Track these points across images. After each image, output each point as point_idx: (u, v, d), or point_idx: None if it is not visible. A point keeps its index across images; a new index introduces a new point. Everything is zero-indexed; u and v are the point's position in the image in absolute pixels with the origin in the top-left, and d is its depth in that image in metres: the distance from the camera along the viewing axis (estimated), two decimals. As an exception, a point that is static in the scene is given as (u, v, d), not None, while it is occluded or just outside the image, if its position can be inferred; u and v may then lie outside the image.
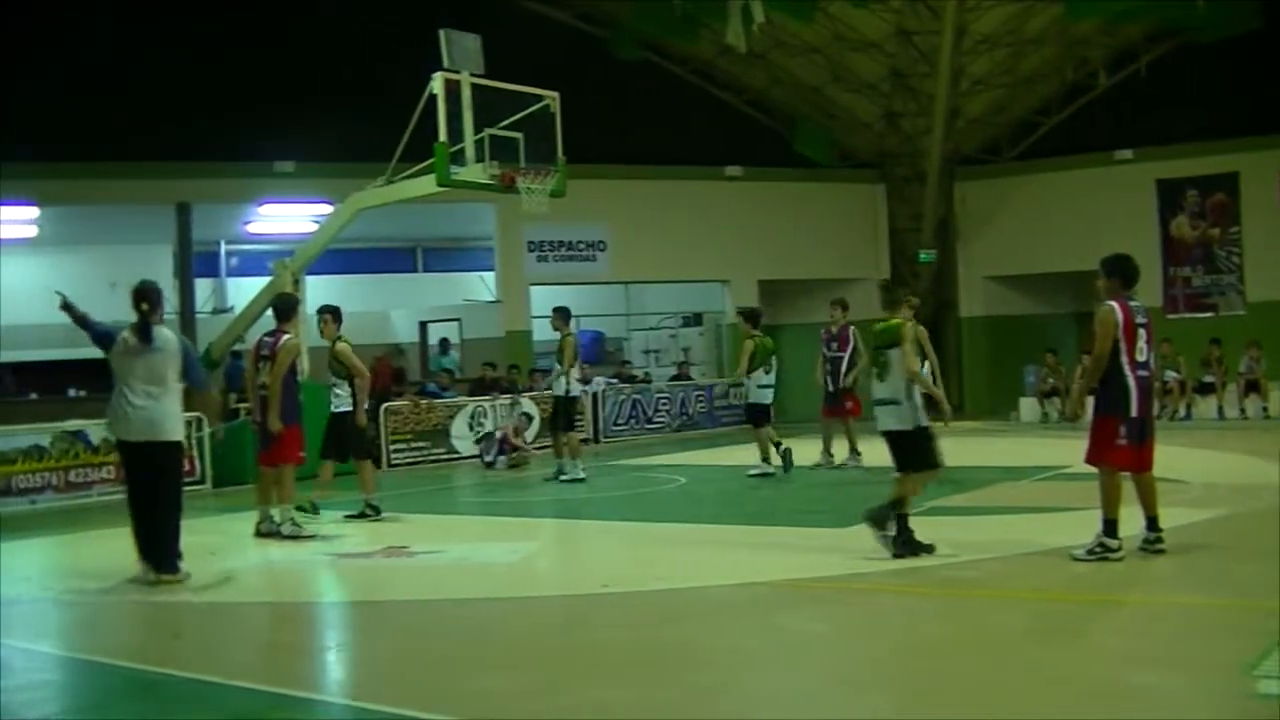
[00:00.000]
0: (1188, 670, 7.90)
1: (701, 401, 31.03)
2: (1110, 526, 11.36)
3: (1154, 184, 32.38)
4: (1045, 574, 11.32)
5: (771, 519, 15.81)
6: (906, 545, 11.86)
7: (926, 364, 17.67)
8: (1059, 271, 31.93)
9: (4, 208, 27.82)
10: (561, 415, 20.58)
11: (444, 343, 32.16)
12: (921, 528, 12.41)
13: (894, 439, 12.24)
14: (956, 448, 21.86)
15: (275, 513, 15.24)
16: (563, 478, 20.12)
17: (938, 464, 12.32)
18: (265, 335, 15.84)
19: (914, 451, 12.15)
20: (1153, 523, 11.59)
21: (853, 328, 21.00)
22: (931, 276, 34.64)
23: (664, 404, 31.06)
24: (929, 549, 11.91)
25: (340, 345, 16.46)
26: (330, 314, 16.86)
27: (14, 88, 25.05)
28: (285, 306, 16.20)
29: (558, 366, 20.38)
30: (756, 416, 20.21)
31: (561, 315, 20.30)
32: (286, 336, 15.49)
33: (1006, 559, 11.87)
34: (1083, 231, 31.60)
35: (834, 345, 21.14)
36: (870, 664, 8.53)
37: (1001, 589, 10.79)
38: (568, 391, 20.26)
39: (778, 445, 19.87)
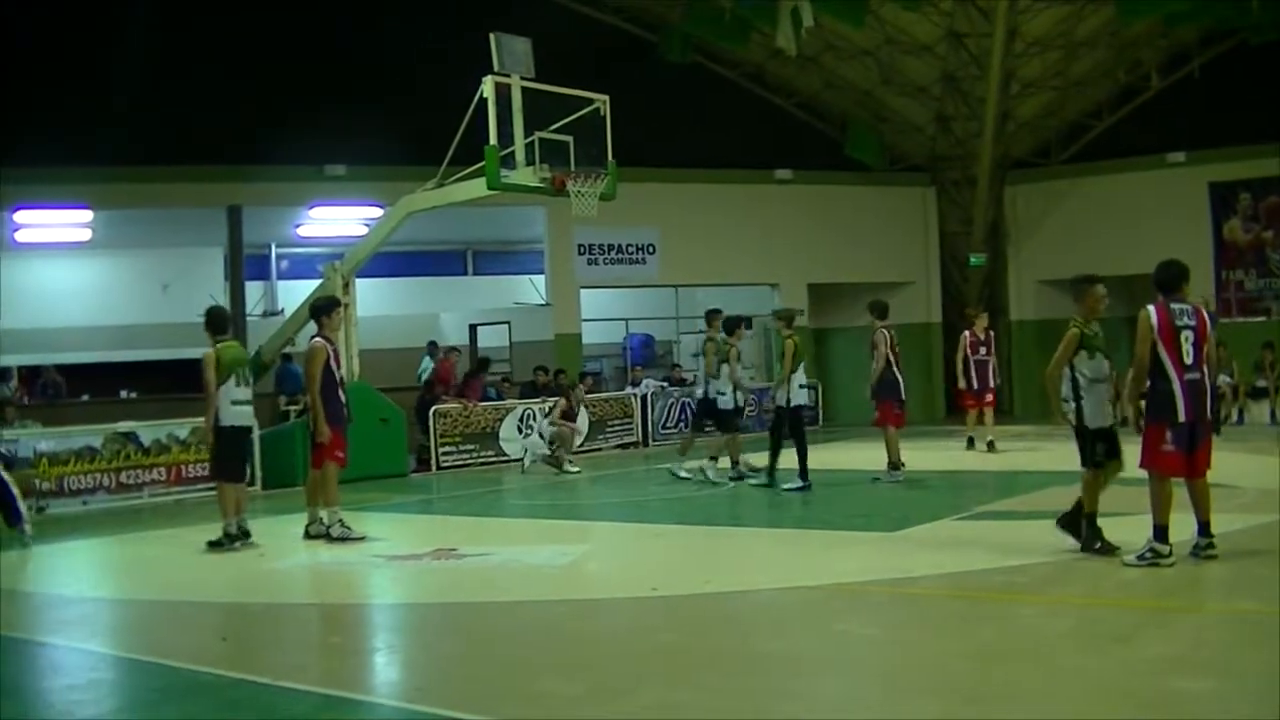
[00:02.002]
0: (1238, 677, 7.83)
1: (751, 405, 30.97)
2: (1161, 532, 11.30)
3: (1207, 187, 32.16)
4: (1095, 579, 11.24)
5: (820, 523, 15.76)
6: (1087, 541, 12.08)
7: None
8: (1110, 275, 31.51)
9: (58, 211, 28.04)
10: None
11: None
12: (972, 531, 12.37)
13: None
14: (1007, 452, 22.00)
15: (323, 514, 15.27)
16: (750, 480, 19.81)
17: (1096, 462, 12.19)
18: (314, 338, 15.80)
19: (1080, 449, 12.24)
20: (1204, 528, 11.47)
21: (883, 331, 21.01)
22: (982, 280, 34.54)
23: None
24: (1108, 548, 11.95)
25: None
26: None
27: (67, 93, 25.24)
28: (317, 308, 16.19)
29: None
30: (796, 420, 19.30)
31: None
32: (314, 339, 15.48)
33: (1056, 564, 11.78)
34: (1134, 235, 31.42)
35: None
36: (920, 668, 8.48)
37: (1051, 594, 10.72)
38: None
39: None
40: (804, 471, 18.45)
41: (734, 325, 20.68)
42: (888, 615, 10.19)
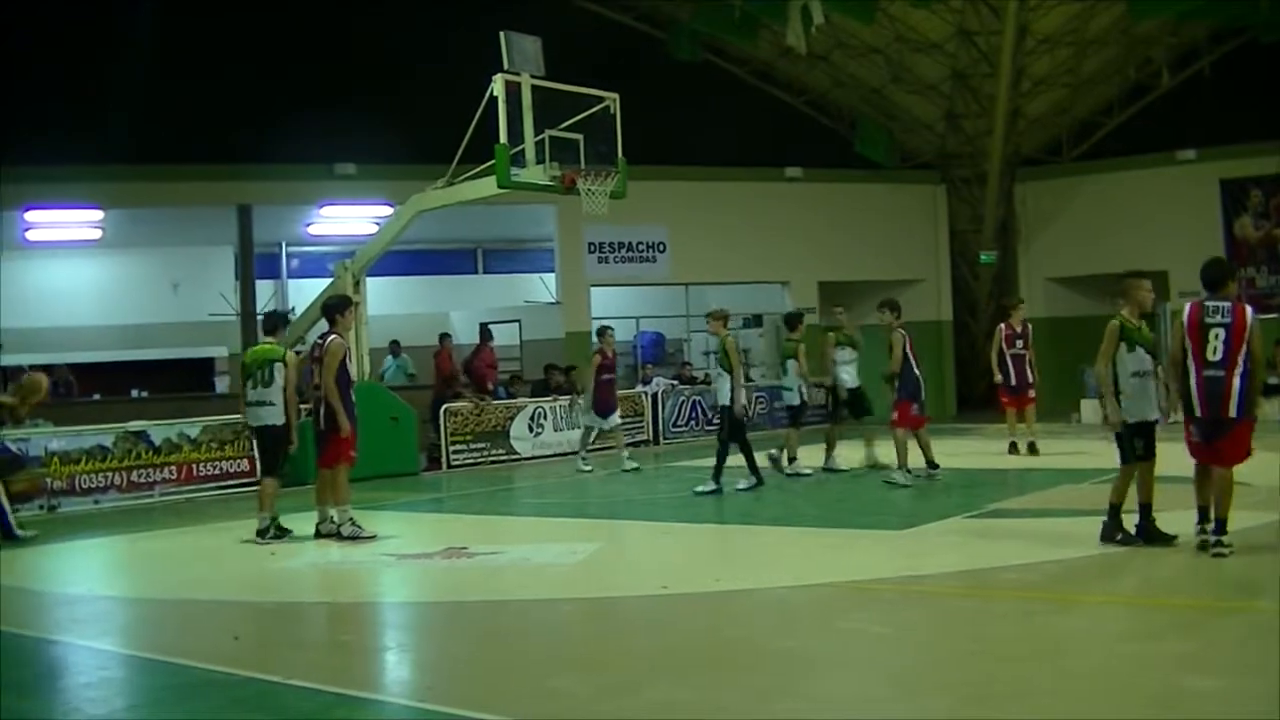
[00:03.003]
0: (1251, 676, 7.80)
1: (762, 403, 30.93)
2: (1216, 522, 11.56)
3: (1217, 184, 32.12)
4: (1107, 578, 11.24)
5: (832, 521, 15.74)
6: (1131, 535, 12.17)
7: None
8: (1121, 272, 31.59)
9: (69, 211, 28.11)
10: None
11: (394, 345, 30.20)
12: (983, 530, 12.37)
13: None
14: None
15: (334, 513, 15.30)
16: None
17: (1139, 456, 12.24)
18: (318, 337, 15.88)
19: (1120, 447, 12.29)
20: (1220, 525, 11.52)
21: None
22: (992, 278, 34.51)
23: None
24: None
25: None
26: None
27: (78, 93, 25.30)
28: (330, 307, 16.16)
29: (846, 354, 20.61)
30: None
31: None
32: (332, 338, 15.43)
33: (1067, 562, 11.78)
34: (1145, 232, 31.47)
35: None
36: (931, 666, 8.49)
37: (1062, 592, 10.71)
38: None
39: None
40: (753, 468, 18.59)
41: (796, 321, 21.16)
42: (898, 613, 10.18)
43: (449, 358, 26.31)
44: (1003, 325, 22.62)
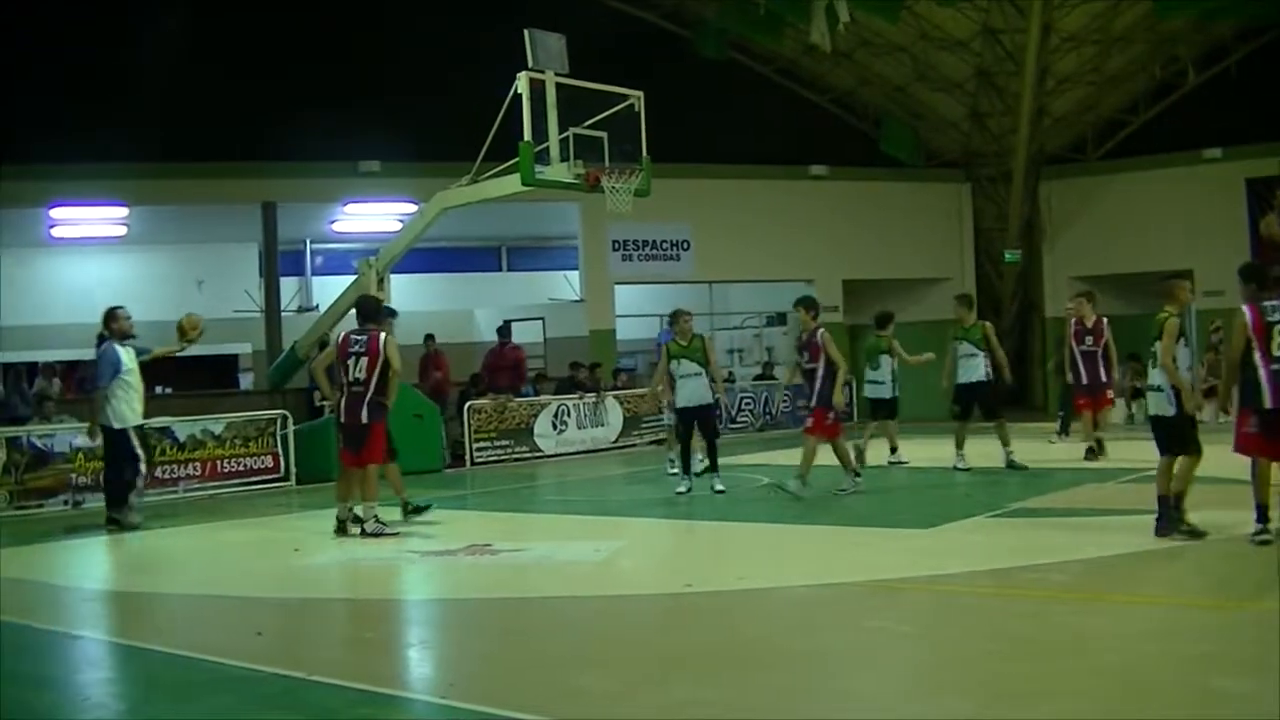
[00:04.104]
0: (1277, 675, 7.77)
1: (786, 401, 30.90)
2: (1259, 511, 11.82)
3: (1243, 183, 32.00)
4: (1131, 577, 11.20)
5: (855, 520, 15.68)
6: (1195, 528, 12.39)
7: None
8: (1146, 271, 31.54)
9: (94, 208, 28.21)
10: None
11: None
12: (1007, 529, 12.33)
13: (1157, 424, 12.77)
14: (1042, 448, 21.87)
15: (359, 510, 15.32)
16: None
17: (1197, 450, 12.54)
18: (353, 333, 15.85)
19: (1170, 437, 12.62)
20: (1262, 512, 11.82)
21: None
22: (1017, 277, 34.44)
23: (747, 403, 31.03)
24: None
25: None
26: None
27: (103, 91, 25.36)
28: (369, 308, 16.30)
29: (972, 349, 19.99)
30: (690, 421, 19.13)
31: (966, 303, 19.89)
32: (388, 335, 15.68)
33: (1092, 561, 11.73)
34: (1170, 231, 31.41)
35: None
36: (955, 665, 8.45)
37: (1087, 591, 10.66)
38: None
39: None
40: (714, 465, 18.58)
41: (887, 320, 21.44)
42: (922, 612, 10.14)
43: (440, 360, 26.04)
44: (1072, 320, 21.45)
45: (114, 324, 16.98)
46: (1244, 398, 12.11)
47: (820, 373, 17.37)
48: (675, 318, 18.92)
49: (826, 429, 17.47)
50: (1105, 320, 21.21)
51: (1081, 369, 21.08)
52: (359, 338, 15.64)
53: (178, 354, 18.20)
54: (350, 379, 15.49)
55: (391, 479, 16.26)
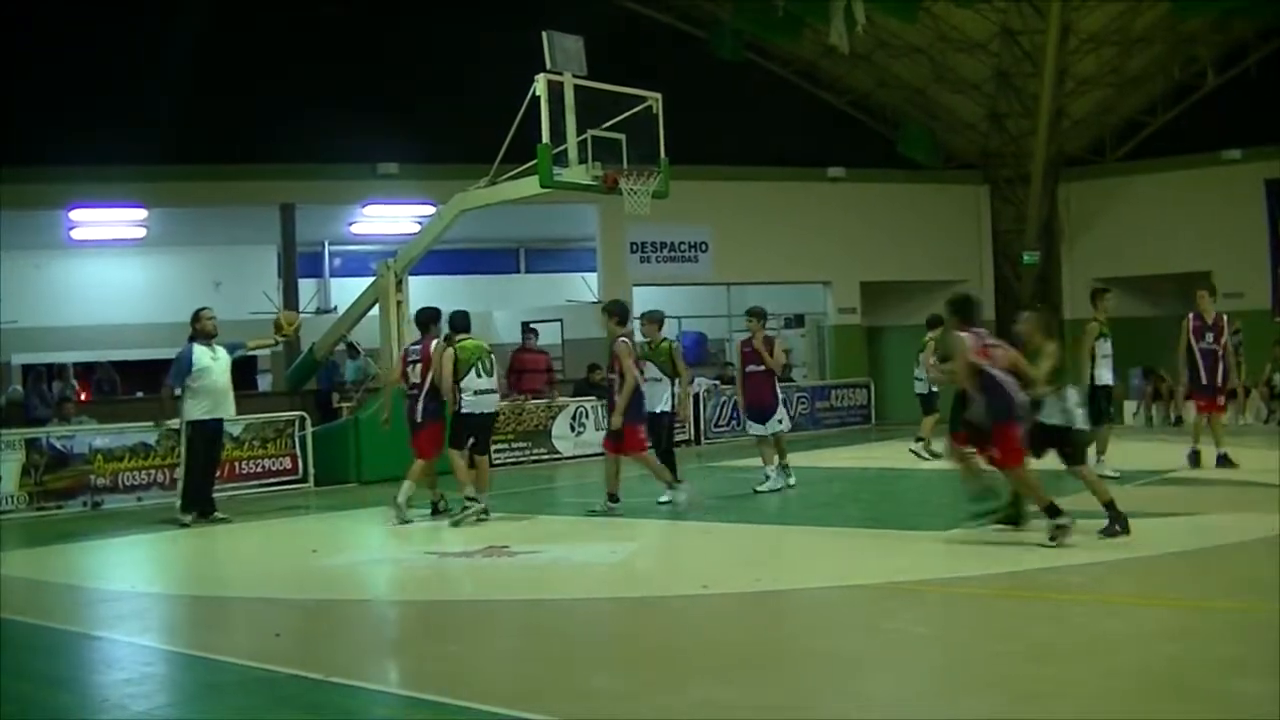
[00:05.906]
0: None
1: (804, 403, 30.86)
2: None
3: (1263, 184, 31.88)
4: (1150, 579, 11.17)
5: (871, 521, 15.67)
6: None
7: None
8: (1165, 273, 31.54)
9: (113, 210, 28.27)
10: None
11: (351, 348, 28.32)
12: (1025, 531, 12.34)
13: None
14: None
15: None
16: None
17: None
18: (413, 343, 17.64)
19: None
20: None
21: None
22: (1035, 279, 34.36)
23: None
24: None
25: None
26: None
27: (122, 93, 25.41)
28: (422, 319, 17.58)
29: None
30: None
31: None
32: (438, 343, 17.03)
33: (1110, 563, 11.71)
34: (1189, 233, 31.32)
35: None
36: (972, 667, 8.44)
37: (1106, 593, 10.65)
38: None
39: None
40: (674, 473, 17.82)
41: (938, 321, 20.70)
42: (939, 614, 10.15)
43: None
44: (1191, 315, 19.61)
45: (197, 324, 17.77)
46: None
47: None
48: (641, 317, 18.73)
49: (639, 444, 17.24)
50: (1225, 317, 19.84)
51: (1201, 368, 19.39)
52: (415, 346, 17.31)
53: (272, 349, 19.01)
54: (409, 383, 17.02)
55: (459, 471, 16.74)
